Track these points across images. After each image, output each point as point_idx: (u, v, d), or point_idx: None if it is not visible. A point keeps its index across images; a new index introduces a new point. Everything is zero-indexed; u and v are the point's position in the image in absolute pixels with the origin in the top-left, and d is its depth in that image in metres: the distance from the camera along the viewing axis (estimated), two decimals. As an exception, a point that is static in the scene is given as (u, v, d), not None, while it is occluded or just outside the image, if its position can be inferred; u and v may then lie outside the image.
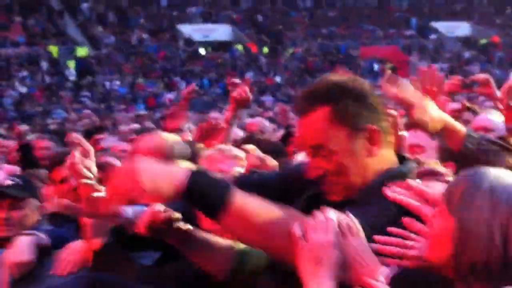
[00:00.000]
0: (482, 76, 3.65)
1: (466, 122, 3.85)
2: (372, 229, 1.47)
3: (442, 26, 33.87)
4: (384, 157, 1.65)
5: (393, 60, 29.46)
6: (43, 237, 2.44)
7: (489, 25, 34.67)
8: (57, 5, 29.03)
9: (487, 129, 3.12)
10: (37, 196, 2.85)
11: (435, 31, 33.73)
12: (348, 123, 1.61)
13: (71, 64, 24.56)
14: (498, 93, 3.60)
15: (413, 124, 1.90)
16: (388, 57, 29.86)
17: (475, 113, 4.18)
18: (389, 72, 28.64)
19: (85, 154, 1.96)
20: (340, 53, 29.79)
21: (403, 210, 1.50)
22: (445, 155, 2.34)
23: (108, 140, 5.17)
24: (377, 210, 1.53)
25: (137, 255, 2.17)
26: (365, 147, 1.62)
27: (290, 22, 32.33)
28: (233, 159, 2.52)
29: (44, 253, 2.41)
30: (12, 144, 6.37)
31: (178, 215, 1.74)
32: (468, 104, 5.95)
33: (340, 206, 1.55)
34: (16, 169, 4.08)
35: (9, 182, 2.74)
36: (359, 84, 1.66)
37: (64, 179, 3.03)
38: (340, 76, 1.71)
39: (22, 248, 2.37)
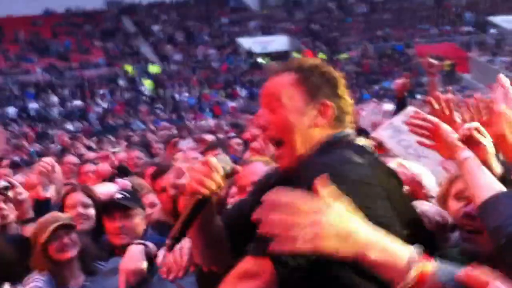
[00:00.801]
0: None
1: None
2: None
3: (502, 20, 32.95)
4: (329, 134, 1.68)
5: (451, 57, 29.24)
6: (151, 245, 2.45)
7: None
8: (132, 28, 31.23)
9: None
10: (142, 206, 2.96)
11: (494, 25, 32.90)
12: (307, 90, 1.69)
13: (147, 81, 25.90)
14: None
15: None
16: (445, 54, 29.59)
17: None
18: (447, 68, 28.52)
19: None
20: (396, 53, 29.76)
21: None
22: None
23: (185, 143, 5.52)
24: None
25: None
26: (314, 117, 1.68)
27: (345, 28, 32.49)
28: None
29: (152, 261, 2.42)
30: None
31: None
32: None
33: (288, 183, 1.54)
34: (128, 183, 3.99)
35: (119, 195, 2.87)
36: (331, 69, 1.77)
37: (164, 188, 3.13)
38: (319, 59, 1.85)
39: (136, 256, 2.38)
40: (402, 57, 29.55)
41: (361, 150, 1.65)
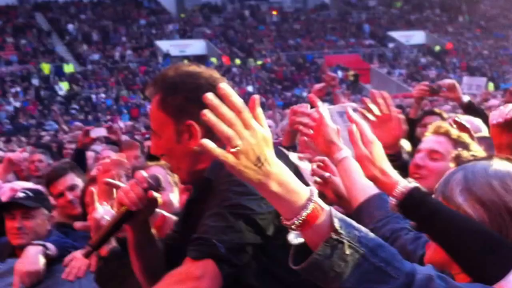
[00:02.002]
0: (448, 81, 3.64)
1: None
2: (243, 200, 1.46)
3: (399, 35, 34.69)
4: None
5: (356, 68, 30.61)
6: (51, 247, 2.37)
7: (443, 33, 35.64)
8: (46, 26, 29.61)
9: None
10: (47, 206, 2.80)
11: (393, 40, 34.57)
12: (171, 114, 1.60)
13: (63, 83, 24.79)
14: (464, 97, 3.59)
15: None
16: (350, 65, 30.94)
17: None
18: (352, 78, 29.74)
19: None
20: (306, 62, 30.52)
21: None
22: None
23: (96, 131, 5.00)
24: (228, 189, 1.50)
25: None
26: (186, 141, 1.60)
27: (259, 35, 32.85)
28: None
29: (52, 263, 2.34)
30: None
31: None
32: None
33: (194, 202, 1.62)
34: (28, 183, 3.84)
35: (22, 193, 2.71)
36: (202, 78, 1.62)
37: (61, 193, 3.04)
38: (190, 67, 1.66)
39: (32, 258, 2.29)
40: (312, 66, 30.58)
41: None
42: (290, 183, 1.11)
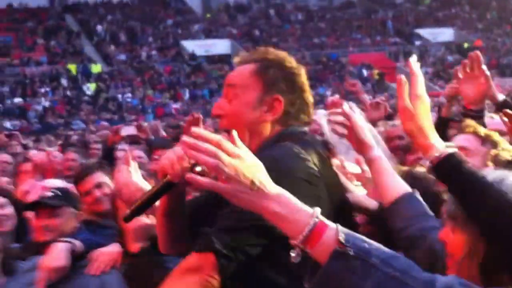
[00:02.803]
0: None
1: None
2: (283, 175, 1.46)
3: (426, 33, 34.28)
4: (278, 129, 1.67)
5: (381, 66, 30.33)
6: (77, 243, 2.41)
7: (472, 30, 35.11)
8: (75, 27, 30.22)
9: (501, 133, 2.94)
10: (75, 205, 2.83)
11: (419, 37, 34.13)
12: (263, 83, 1.67)
13: (91, 84, 25.16)
14: (499, 96, 3.36)
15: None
16: (375, 63, 30.66)
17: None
18: (377, 77, 29.45)
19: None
20: (330, 61, 30.35)
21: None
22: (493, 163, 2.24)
23: (126, 129, 5.16)
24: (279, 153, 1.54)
25: (167, 259, 2.09)
26: (264, 112, 1.66)
27: (284, 34, 32.86)
28: None
29: (77, 259, 2.38)
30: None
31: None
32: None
33: None
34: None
35: (49, 193, 2.76)
36: (295, 65, 1.72)
37: (88, 191, 3.07)
38: (285, 53, 1.76)
39: (58, 254, 2.33)
40: (337, 65, 30.46)
41: (308, 144, 1.63)
42: (291, 203, 1.14)
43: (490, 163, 2.01)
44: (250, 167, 1.13)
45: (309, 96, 1.74)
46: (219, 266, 1.47)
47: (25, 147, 8.77)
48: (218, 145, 1.12)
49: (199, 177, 1.14)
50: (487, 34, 34.89)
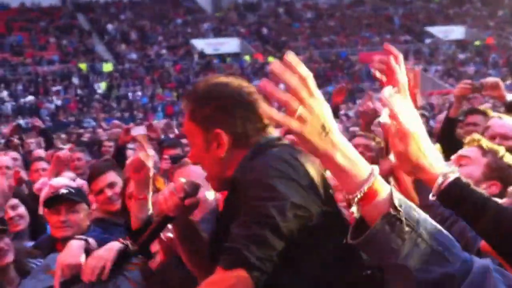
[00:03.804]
0: (491, 79, 3.47)
1: (475, 125, 3.61)
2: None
3: (437, 31, 34.15)
4: (242, 155, 1.65)
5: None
6: (92, 241, 2.41)
7: (483, 28, 34.90)
8: (87, 26, 30.67)
9: (506, 137, 2.86)
10: (87, 202, 2.89)
11: (430, 35, 34.06)
12: (200, 124, 1.67)
13: (102, 83, 25.51)
14: (508, 96, 3.37)
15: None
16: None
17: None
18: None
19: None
20: (340, 59, 30.48)
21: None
22: (492, 173, 2.23)
23: (136, 129, 5.10)
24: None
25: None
26: (216, 150, 1.66)
27: (293, 32, 32.99)
28: None
29: None
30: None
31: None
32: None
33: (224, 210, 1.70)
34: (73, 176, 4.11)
35: (65, 189, 2.78)
36: (230, 88, 1.66)
37: (101, 189, 3.06)
38: (219, 79, 1.72)
39: (74, 251, 2.34)
40: (346, 63, 30.57)
41: (291, 148, 1.63)
42: (354, 157, 1.12)
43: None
44: (324, 109, 1.09)
45: (261, 104, 1.62)
46: (253, 280, 1.47)
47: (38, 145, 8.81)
48: (303, 80, 1.07)
49: (274, 111, 1.07)
50: (499, 31, 34.64)
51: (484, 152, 2.30)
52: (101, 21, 31.01)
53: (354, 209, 1.14)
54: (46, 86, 25.13)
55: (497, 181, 2.20)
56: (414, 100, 1.77)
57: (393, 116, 1.30)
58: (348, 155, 1.12)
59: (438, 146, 3.06)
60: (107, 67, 26.76)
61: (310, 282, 1.56)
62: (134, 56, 28.68)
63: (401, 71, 1.70)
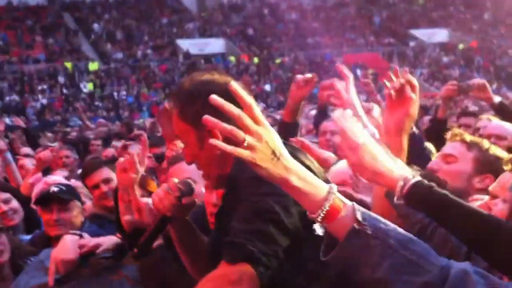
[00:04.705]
0: (478, 81, 3.52)
1: (467, 127, 3.66)
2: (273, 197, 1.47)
3: (421, 34, 34.37)
4: None
5: (374, 67, 30.67)
6: (86, 237, 2.41)
7: (467, 31, 35.15)
8: (73, 25, 30.92)
9: (500, 137, 2.82)
10: (80, 199, 2.89)
11: (414, 38, 34.30)
12: (191, 122, 1.66)
13: (89, 84, 25.73)
14: (496, 98, 3.46)
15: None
16: (369, 64, 30.94)
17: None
18: (371, 77, 30.03)
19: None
20: (325, 61, 30.70)
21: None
22: (483, 167, 2.20)
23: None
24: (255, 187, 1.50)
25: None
26: (210, 146, 1.49)
27: (278, 34, 33.32)
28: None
29: (86, 253, 2.34)
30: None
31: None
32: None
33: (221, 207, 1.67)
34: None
35: (55, 188, 2.77)
36: (216, 85, 1.64)
37: (96, 184, 3.09)
38: (204, 76, 1.70)
39: (68, 247, 2.33)
40: (331, 65, 31.02)
41: (289, 146, 1.55)
42: (309, 177, 1.15)
43: (506, 167, 1.87)
44: (272, 136, 1.11)
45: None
46: (258, 275, 1.46)
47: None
48: (249, 109, 1.09)
49: (223, 144, 1.08)
50: (483, 35, 35.05)
51: (469, 146, 2.29)
52: (87, 21, 31.31)
53: (317, 227, 1.16)
54: (32, 85, 25.50)
55: (490, 174, 2.17)
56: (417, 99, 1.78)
57: (341, 132, 1.36)
58: (303, 177, 1.15)
59: (431, 145, 3.09)
60: (93, 66, 27.14)
61: (312, 278, 1.56)
62: (119, 55, 29.01)
63: (349, 92, 1.77)
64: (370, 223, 1.13)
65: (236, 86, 1.13)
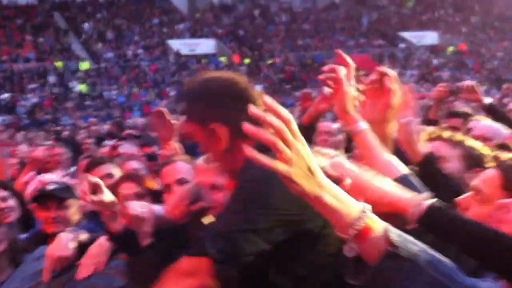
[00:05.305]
0: (468, 83, 3.54)
1: (455, 128, 3.45)
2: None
3: (410, 36, 34.77)
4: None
5: (365, 68, 30.91)
6: (83, 234, 2.43)
7: (456, 34, 35.62)
8: (63, 25, 31.05)
9: (486, 138, 2.83)
10: (77, 196, 2.83)
11: (404, 40, 34.72)
12: (197, 121, 1.68)
13: (81, 85, 25.86)
14: (486, 99, 3.45)
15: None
16: (360, 65, 31.21)
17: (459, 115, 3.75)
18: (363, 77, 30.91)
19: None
20: (315, 62, 31.04)
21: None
22: (470, 163, 2.24)
23: (125, 147, 4.80)
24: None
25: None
26: (217, 144, 1.66)
27: (268, 35, 33.63)
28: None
29: (83, 250, 2.37)
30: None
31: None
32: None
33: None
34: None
35: (53, 185, 2.78)
36: (219, 83, 1.66)
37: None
38: (209, 74, 1.73)
39: (64, 244, 2.35)
40: (322, 66, 31.18)
41: None
42: (343, 196, 1.13)
43: (490, 164, 1.87)
44: (308, 152, 1.10)
45: (255, 98, 1.64)
46: (215, 270, 1.49)
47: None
48: (287, 123, 1.07)
49: (261, 156, 1.05)
50: (471, 38, 35.49)
51: (452, 144, 2.32)
52: (77, 20, 31.45)
53: (345, 249, 1.15)
54: (22, 84, 25.61)
55: (478, 168, 2.16)
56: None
57: (343, 176, 1.34)
58: (336, 195, 1.13)
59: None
60: (84, 65, 27.25)
61: (300, 283, 1.58)
62: (110, 55, 29.19)
63: (348, 82, 1.69)
64: (402, 244, 1.12)
65: (269, 99, 1.09)
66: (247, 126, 1.05)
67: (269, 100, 1.08)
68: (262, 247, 1.51)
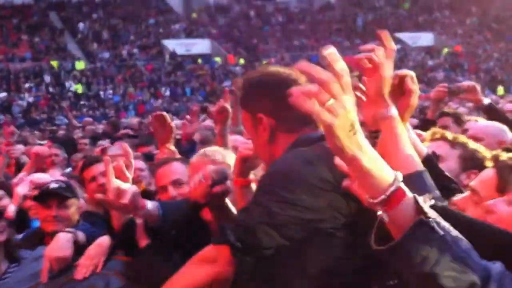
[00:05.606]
0: (468, 83, 3.57)
1: (445, 128, 3.57)
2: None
3: (406, 37, 34.76)
4: (288, 142, 1.67)
5: (360, 69, 30.98)
6: (80, 234, 2.44)
7: (452, 35, 35.70)
8: (59, 24, 31.17)
9: (476, 138, 2.85)
10: (78, 196, 2.92)
11: (399, 41, 34.44)
12: (247, 109, 1.76)
13: (77, 86, 26.02)
14: (485, 100, 3.48)
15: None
16: (355, 66, 31.31)
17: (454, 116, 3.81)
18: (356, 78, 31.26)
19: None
20: (311, 63, 31.65)
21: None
22: (468, 164, 2.22)
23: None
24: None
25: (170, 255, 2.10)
26: (262, 134, 1.72)
27: (264, 35, 33.83)
28: (217, 163, 2.22)
29: (80, 250, 2.38)
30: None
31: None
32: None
33: None
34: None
35: (54, 184, 2.81)
36: (274, 75, 1.73)
37: (93, 177, 3.14)
38: (266, 69, 1.81)
39: (62, 244, 2.36)
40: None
41: (322, 148, 1.55)
42: (379, 161, 1.12)
43: (489, 164, 1.85)
44: (355, 111, 1.07)
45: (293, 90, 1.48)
46: (234, 259, 1.55)
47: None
48: (340, 77, 1.05)
49: (308, 102, 1.04)
50: (467, 39, 35.58)
51: (452, 144, 2.31)
52: (73, 20, 31.57)
53: (381, 213, 1.13)
54: (18, 83, 25.75)
55: (476, 169, 2.17)
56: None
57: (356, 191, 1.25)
58: (373, 159, 1.11)
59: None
60: (80, 65, 27.40)
61: (312, 283, 1.58)
62: (106, 55, 29.35)
63: (387, 66, 1.65)
64: (433, 215, 1.12)
65: (333, 50, 1.10)
66: (302, 64, 1.08)
67: (328, 52, 1.09)
68: (279, 242, 1.53)
